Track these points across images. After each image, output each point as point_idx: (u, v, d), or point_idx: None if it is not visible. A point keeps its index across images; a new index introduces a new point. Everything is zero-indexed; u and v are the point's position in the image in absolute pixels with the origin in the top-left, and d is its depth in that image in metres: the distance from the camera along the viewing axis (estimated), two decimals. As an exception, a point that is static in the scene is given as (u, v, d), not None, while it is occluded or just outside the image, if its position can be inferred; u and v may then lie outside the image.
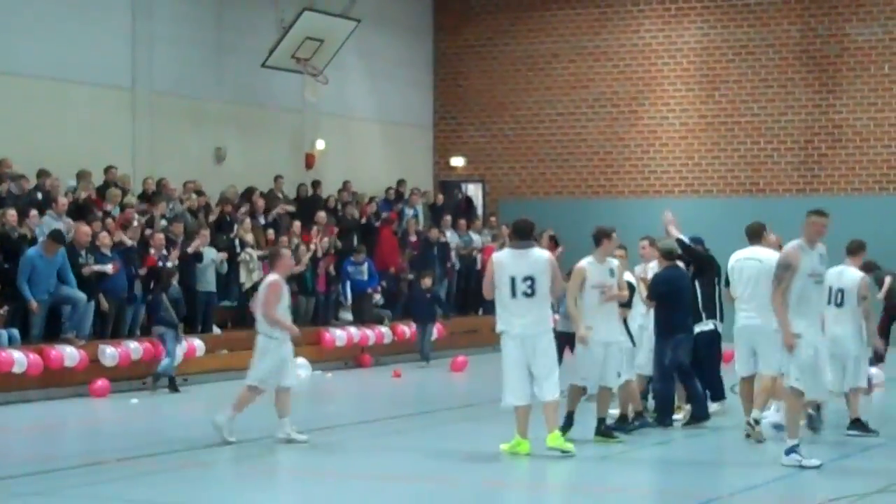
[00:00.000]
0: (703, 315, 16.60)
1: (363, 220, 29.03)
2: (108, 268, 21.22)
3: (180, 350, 21.57)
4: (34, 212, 21.37)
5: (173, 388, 21.06)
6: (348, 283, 26.49)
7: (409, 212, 30.53)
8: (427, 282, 26.24)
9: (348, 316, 26.43)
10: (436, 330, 26.59)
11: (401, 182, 32.00)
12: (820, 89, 31.59)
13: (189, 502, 12.00)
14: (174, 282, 21.80)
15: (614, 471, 13.80)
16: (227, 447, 14.86)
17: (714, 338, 16.80)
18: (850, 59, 31.38)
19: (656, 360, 15.95)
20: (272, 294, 15.24)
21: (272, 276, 15.50)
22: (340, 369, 24.71)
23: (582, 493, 12.73)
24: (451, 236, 29.97)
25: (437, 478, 13.16)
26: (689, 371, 16.12)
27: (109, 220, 22.31)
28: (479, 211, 33.80)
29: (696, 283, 16.61)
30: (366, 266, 26.57)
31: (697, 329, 16.42)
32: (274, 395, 15.26)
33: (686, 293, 16.17)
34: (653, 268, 16.61)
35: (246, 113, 29.04)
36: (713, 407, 16.84)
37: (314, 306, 25.86)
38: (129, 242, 22.20)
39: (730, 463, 14.48)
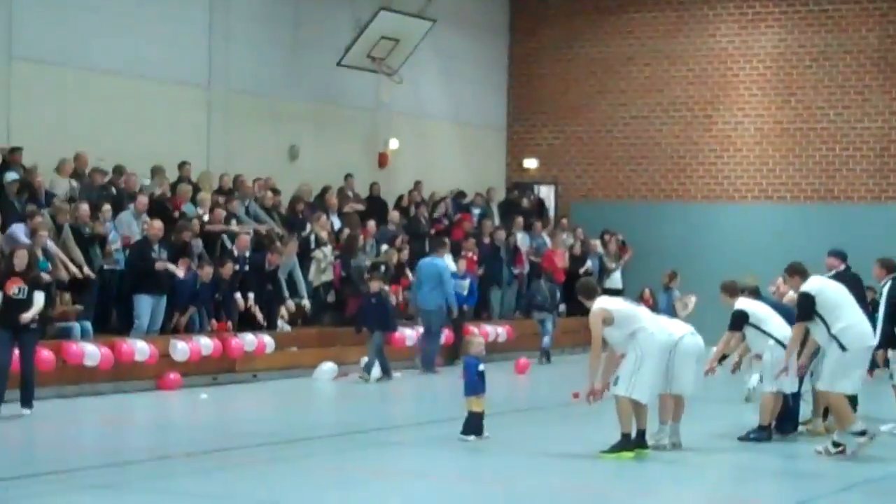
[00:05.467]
0: None
1: (445, 222, 29.09)
2: (180, 271, 21.33)
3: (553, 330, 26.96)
4: (107, 206, 21.57)
5: (547, 359, 26.55)
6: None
7: (475, 211, 30.50)
8: (375, 286, 22.91)
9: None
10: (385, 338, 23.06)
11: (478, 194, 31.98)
12: (897, 96, 31.31)
13: (257, 498, 12.08)
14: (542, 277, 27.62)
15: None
16: (298, 443, 14.91)
17: None
18: (929, 67, 31.09)
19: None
20: None
21: None
22: (408, 368, 24.46)
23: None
24: (521, 238, 29.89)
25: (514, 480, 13.19)
26: None
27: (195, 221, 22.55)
28: (552, 213, 33.75)
29: None
30: (467, 282, 25.98)
31: None
32: (665, 400, 15.01)
33: None
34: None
35: (320, 111, 29.18)
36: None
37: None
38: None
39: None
